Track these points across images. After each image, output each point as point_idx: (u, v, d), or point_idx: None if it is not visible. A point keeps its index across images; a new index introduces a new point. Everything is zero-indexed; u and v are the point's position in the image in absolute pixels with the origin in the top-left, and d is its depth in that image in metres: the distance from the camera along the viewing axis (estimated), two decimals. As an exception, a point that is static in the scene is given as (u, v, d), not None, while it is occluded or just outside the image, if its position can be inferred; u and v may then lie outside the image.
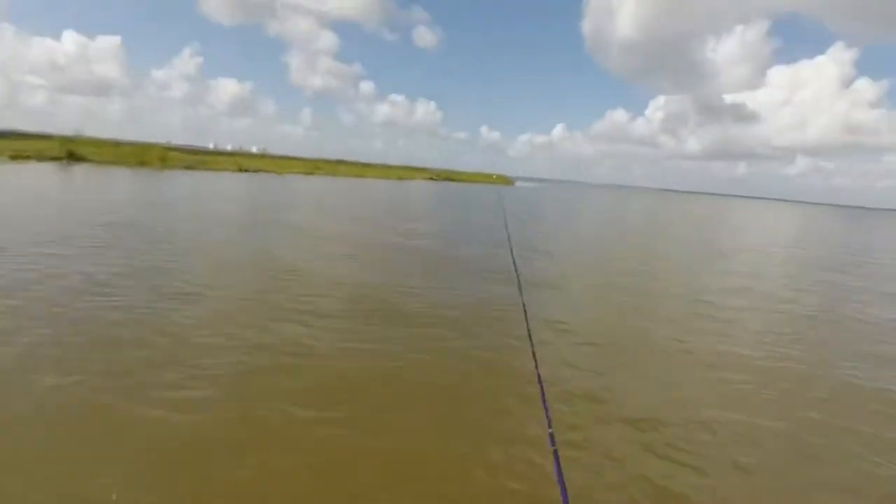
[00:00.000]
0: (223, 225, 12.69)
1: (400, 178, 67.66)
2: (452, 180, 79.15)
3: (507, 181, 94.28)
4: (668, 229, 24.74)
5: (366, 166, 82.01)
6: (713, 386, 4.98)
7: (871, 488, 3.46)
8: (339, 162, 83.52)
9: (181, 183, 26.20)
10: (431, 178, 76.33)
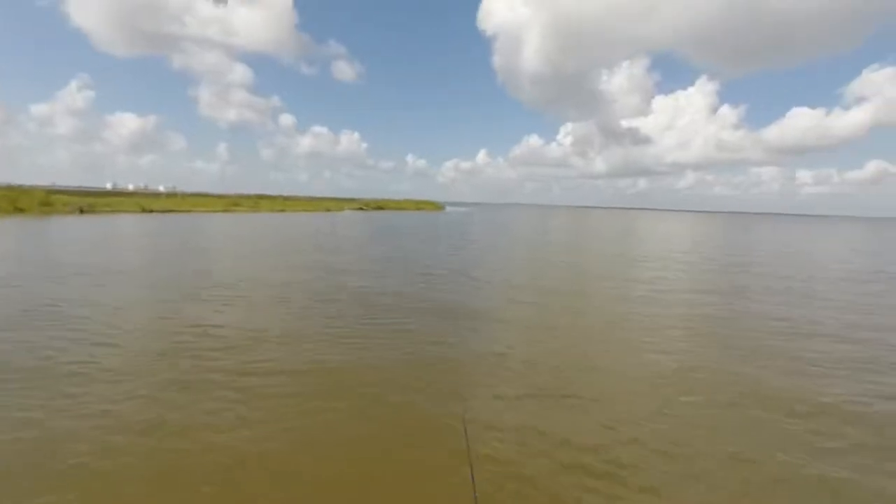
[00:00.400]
0: (112, 276, 11.12)
1: (328, 210, 65.89)
2: (383, 209, 78.82)
3: (437, 207, 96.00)
4: (587, 245, 26.56)
5: (290, 200, 78.69)
6: (644, 400, 5.17)
7: (793, 482, 3.72)
8: (261, 197, 79.28)
9: (65, 230, 22.85)
10: (361, 208, 75.32)
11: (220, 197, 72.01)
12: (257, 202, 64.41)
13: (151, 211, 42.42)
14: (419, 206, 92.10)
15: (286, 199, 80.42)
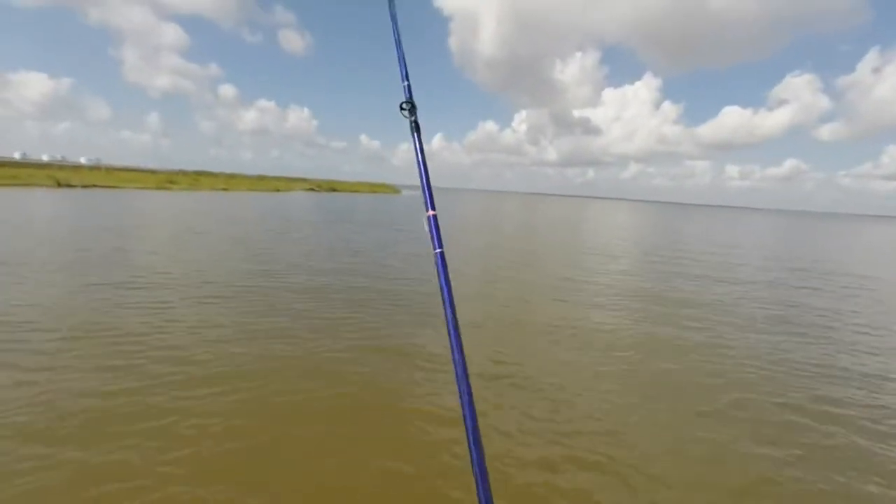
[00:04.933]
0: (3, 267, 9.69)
1: (277, 190, 62.20)
2: (336, 190, 75.80)
3: (393, 190, 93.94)
4: (542, 233, 27.17)
5: (235, 178, 73.22)
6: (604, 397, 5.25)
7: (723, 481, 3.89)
8: (201, 174, 73.19)
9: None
10: (312, 189, 71.97)
11: (153, 172, 65.92)
12: (197, 179, 59.41)
13: (71, 185, 37.78)
14: (374, 188, 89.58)
15: (230, 176, 74.82)
